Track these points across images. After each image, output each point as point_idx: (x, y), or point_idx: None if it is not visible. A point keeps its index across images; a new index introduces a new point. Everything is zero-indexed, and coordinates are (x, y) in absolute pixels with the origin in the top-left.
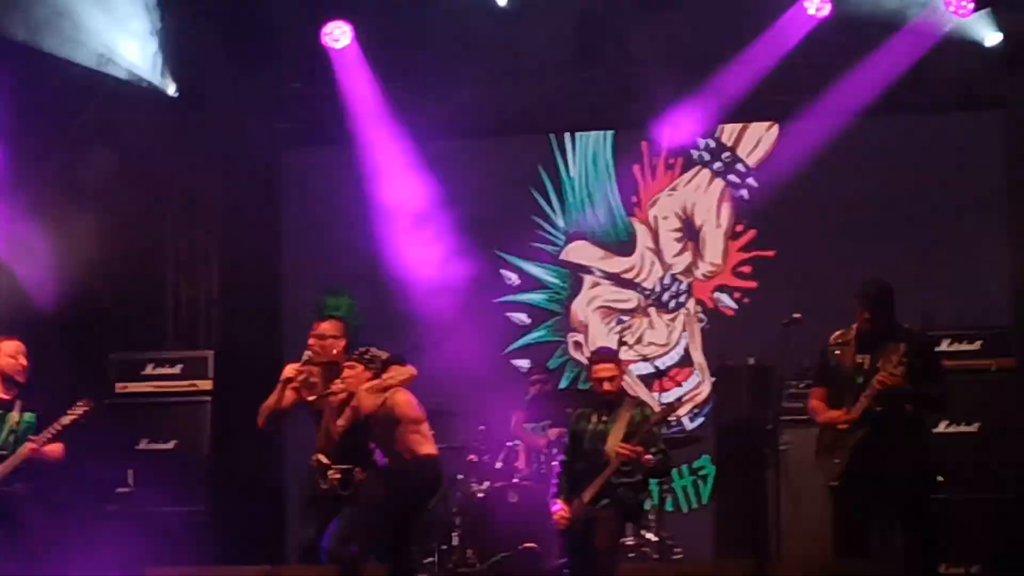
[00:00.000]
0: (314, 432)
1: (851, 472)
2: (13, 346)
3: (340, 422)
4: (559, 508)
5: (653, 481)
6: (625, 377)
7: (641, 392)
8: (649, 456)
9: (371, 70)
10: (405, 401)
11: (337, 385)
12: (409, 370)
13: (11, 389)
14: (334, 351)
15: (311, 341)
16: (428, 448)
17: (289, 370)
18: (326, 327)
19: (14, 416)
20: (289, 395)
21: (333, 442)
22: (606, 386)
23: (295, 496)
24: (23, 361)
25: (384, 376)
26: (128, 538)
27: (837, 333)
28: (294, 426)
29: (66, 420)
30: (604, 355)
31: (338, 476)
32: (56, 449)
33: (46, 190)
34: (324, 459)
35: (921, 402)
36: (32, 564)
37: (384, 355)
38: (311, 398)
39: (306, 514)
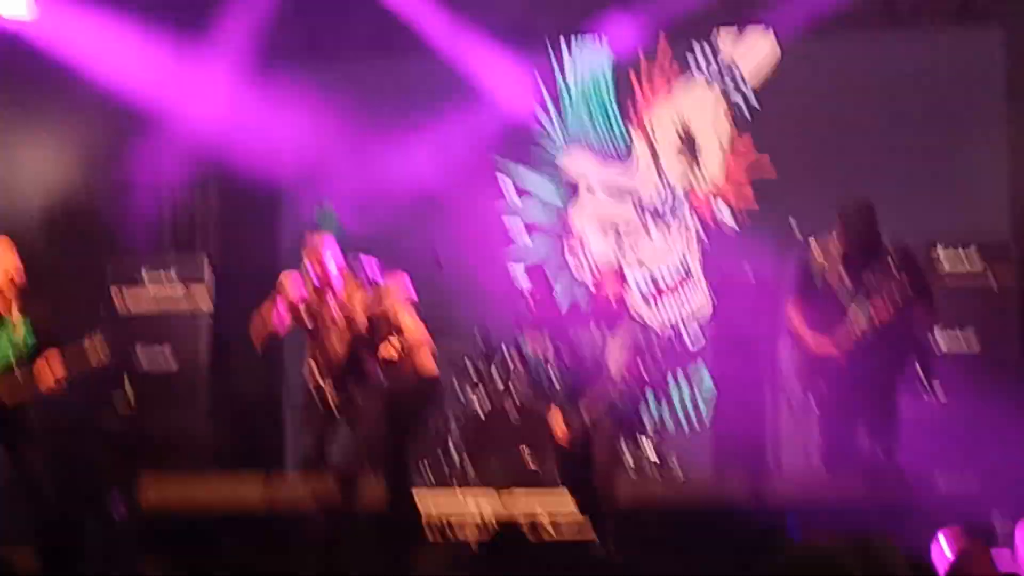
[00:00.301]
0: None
1: (836, 389)
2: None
3: (339, 347)
4: (557, 421)
5: (652, 396)
6: (625, 291)
7: (639, 305)
8: (646, 371)
9: None
10: (400, 306)
11: (335, 312)
12: (401, 278)
13: (6, 296)
14: (330, 268)
15: (311, 264)
16: (428, 365)
17: (287, 285)
18: (320, 245)
19: (12, 324)
20: (287, 320)
21: (333, 363)
22: (607, 300)
23: (292, 405)
24: (12, 277)
25: (380, 290)
26: (125, 447)
27: (818, 243)
28: (292, 335)
29: (83, 358)
30: (605, 268)
31: (337, 398)
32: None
33: (43, 96)
34: (319, 377)
35: (913, 322)
36: (36, 479)
37: (374, 266)
38: (311, 327)
39: (304, 425)
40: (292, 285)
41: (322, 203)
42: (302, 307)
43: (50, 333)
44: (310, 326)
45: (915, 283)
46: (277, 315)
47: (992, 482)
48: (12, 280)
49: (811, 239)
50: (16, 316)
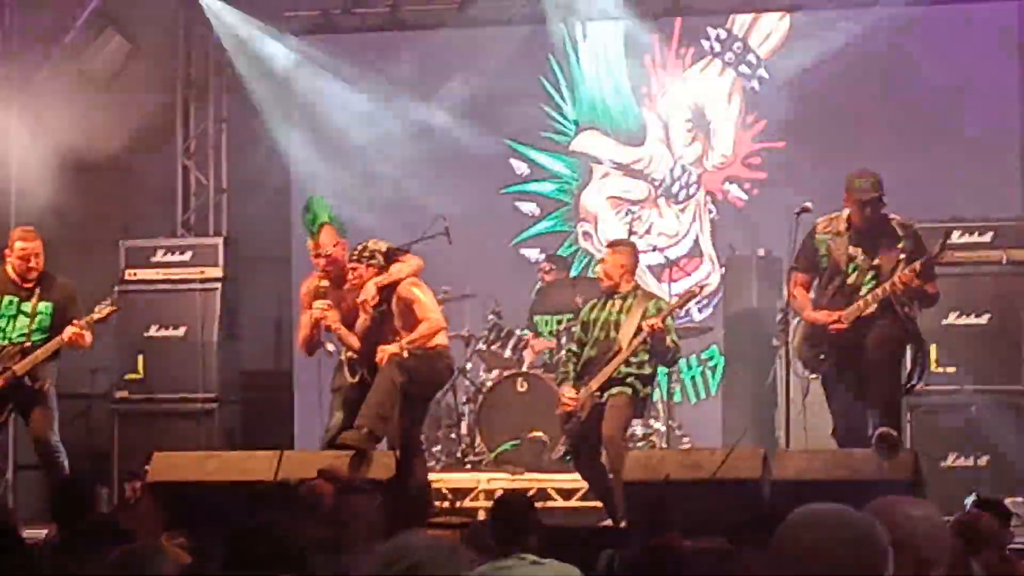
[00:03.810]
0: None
1: (839, 368)
2: (21, 247)
3: (357, 329)
4: (567, 395)
5: (662, 372)
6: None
7: (650, 283)
8: (656, 345)
9: None
10: (415, 292)
11: (347, 295)
12: (416, 261)
13: (28, 281)
14: (341, 257)
15: (320, 262)
16: (441, 339)
17: (313, 302)
18: (325, 240)
19: (31, 306)
20: (313, 322)
21: (358, 340)
22: (619, 274)
23: (304, 382)
24: (32, 264)
25: (391, 269)
26: (137, 423)
27: (825, 220)
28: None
29: (95, 317)
30: (620, 243)
31: (363, 370)
32: (89, 338)
33: (56, 76)
34: (352, 353)
35: (918, 305)
36: (51, 451)
37: (383, 247)
38: (336, 324)
39: (333, 402)
40: (308, 289)
41: (307, 205)
42: (323, 305)
43: (67, 318)
44: (335, 324)
45: (918, 261)
46: (311, 325)
47: (1004, 462)
48: (28, 271)
49: (815, 214)
50: (35, 301)
